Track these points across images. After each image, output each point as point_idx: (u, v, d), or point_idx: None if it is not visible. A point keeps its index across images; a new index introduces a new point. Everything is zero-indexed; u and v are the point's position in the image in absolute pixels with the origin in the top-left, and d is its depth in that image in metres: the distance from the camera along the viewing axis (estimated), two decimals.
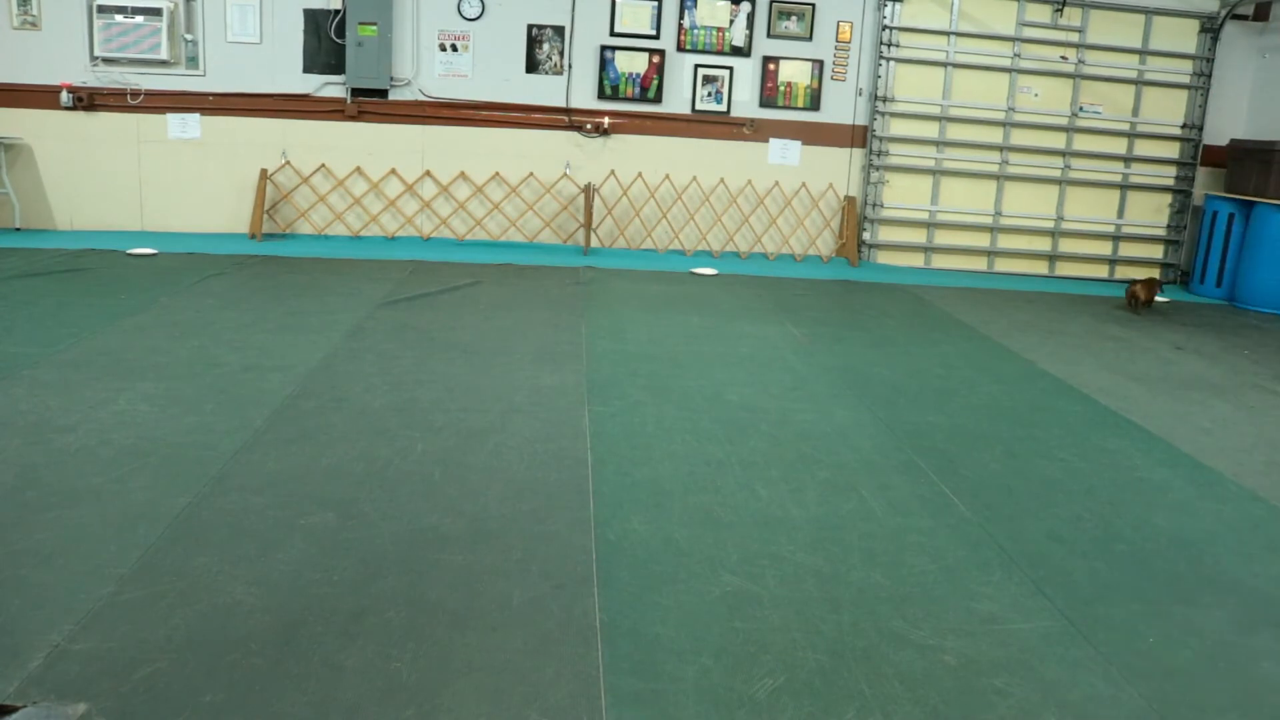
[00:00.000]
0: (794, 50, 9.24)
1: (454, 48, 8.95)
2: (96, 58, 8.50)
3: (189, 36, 8.61)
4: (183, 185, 8.81)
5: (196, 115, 8.71)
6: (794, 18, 9.18)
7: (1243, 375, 6.12)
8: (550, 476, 3.80)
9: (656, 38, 9.10)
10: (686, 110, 9.26)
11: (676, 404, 4.80)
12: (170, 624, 2.63)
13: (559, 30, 9.01)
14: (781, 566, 3.17)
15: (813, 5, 9.17)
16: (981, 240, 9.66)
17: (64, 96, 8.48)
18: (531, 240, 9.25)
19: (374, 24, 8.67)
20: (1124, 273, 9.75)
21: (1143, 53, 9.46)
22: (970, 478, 4.07)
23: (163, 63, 8.55)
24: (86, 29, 8.47)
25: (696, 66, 9.17)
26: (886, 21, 9.20)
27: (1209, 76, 9.54)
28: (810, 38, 9.23)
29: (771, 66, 9.23)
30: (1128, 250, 9.80)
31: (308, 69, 8.80)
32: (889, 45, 9.24)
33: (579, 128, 9.14)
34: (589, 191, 9.07)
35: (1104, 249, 9.77)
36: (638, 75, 9.13)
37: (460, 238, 9.19)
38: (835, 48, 9.28)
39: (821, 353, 6.00)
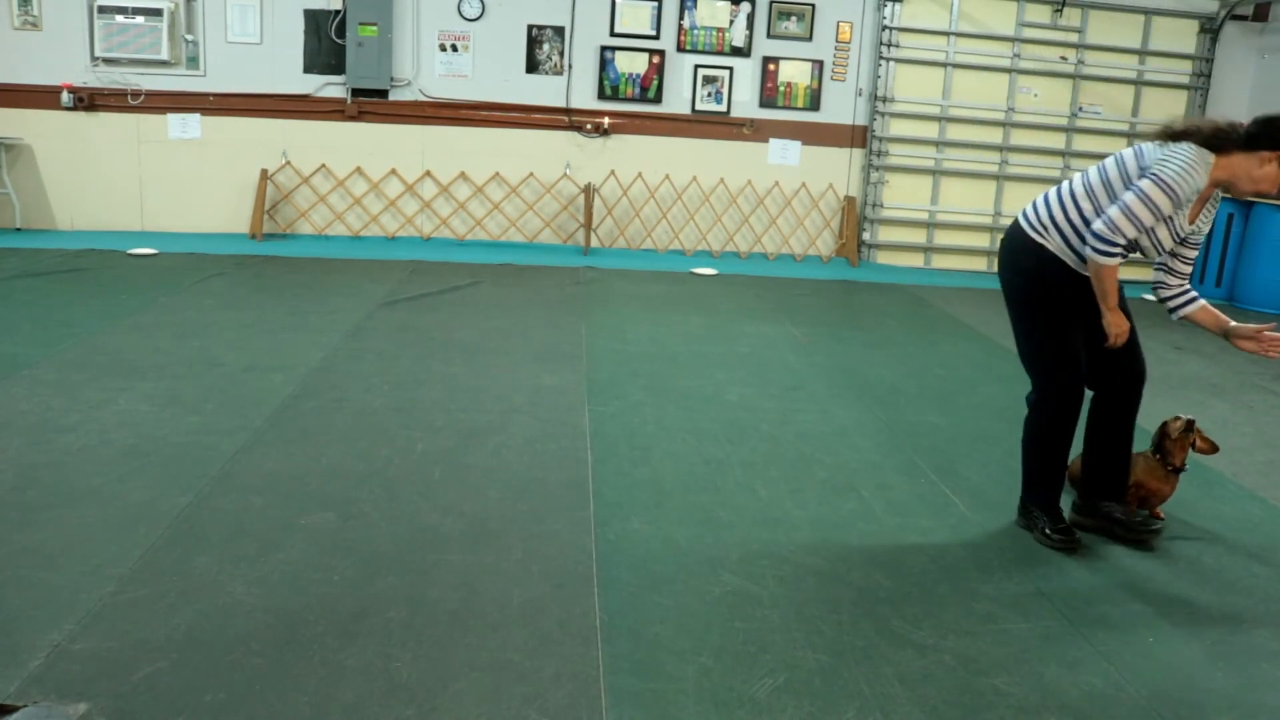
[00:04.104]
0: (794, 50, 9.24)
1: (454, 48, 8.95)
2: (97, 58, 8.50)
3: (189, 36, 8.61)
4: (183, 185, 8.81)
5: (197, 115, 8.71)
6: (794, 18, 9.18)
7: (1243, 375, 6.12)
8: (550, 476, 3.80)
9: (656, 38, 9.10)
10: (686, 110, 9.26)
11: (676, 404, 4.80)
12: (170, 624, 2.63)
13: (559, 30, 9.01)
14: (781, 566, 3.17)
15: (813, 5, 9.17)
16: (981, 240, 9.66)
17: (64, 97, 8.48)
18: (531, 240, 9.25)
19: (374, 24, 8.67)
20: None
21: (1142, 53, 9.46)
22: (970, 478, 4.07)
23: (163, 63, 8.55)
24: (87, 29, 8.47)
25: (696, 67, 9.17)
26: (886, 22, 9.20)
27: (1208, 77, 9.55)
28: (810, 38, 9.23)
29: (771, 67, 9.23)
30: None
31: (308, 69, 8.80)
32: (889, 45, 9.24)
33: (579, 128, 9.14)
34: (589, 191, 9.07)
35: None
36: (638, 75, 9.13)
37: (460, 238, 9.19)
38: (835, 48, 9.28)
39: (821, 353, 6.00)
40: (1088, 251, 3.27)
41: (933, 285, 8.75)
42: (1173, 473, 3.65)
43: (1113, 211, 3.21)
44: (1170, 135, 3.26)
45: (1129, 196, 3.20)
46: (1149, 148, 3.29)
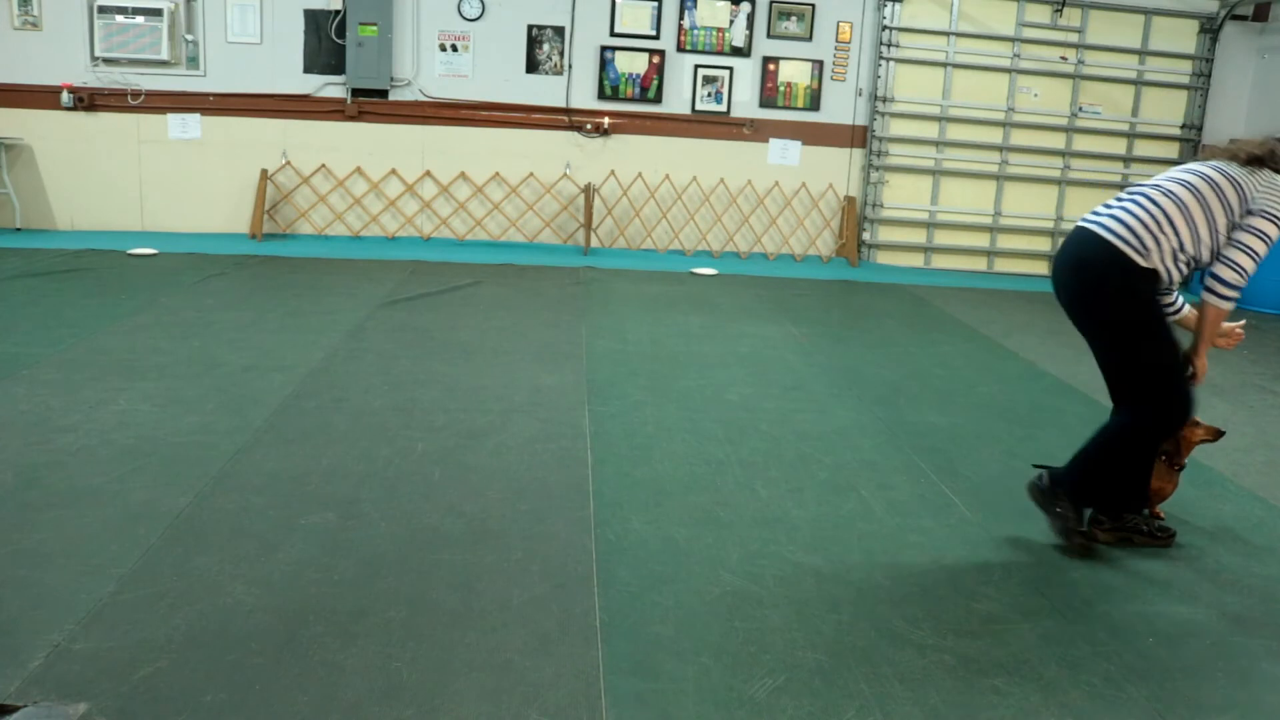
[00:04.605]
0: (794, 50, 9.24)
1: (454, 48, 8.95)
2: (97, 58, 8.50)
3: (189, 36, 8.61)
4: (183, 185, 8.82)
5: (197, 115, 8.72)
6: (794, 18, 9.18)
7: (1243, 375, 6.12)
8: (550, 476, 3.80)
9: (656, 38, 9.10)
10: (686, 110, 9.26)
11: (676, 404, 4.80)
12: (170, 624, 2.63)
13: (559, 30, 9.02)
14: (781, 566, 3.17)
15: (813, 5, 9.18)
16: (981, 240, 9.66)
17: (64, 97, 8.48)
18: (531, 240, 9.25)
19: (374, 24, 8.67)
20: None
21: (1142, 53, 9.46)
22: (970, 478, 4.07)
23: (163, 63, 8.55)
24: (87, 29, 8.47)
25: (696, 67, 9.17)
26: (886, 21, 9.20)
27: (1208, 77, 9.55)
28: (810, 38, 9.24)
29: (771, 67, 9.23)
30: None
31: (308, 69, 8.80)
32: (889, 45, 9.25)
33: (579, 128, 9.14)
34: (589, 191, 9.07)
35: None
36: (638, 75, 9.13)
37: (460, 238, 9.20)
38: (835, 48, 9.28)
39: (821, 353, 6.00)
40: (1211, 299, 3.26)
41: (933, 285, 8.75)
42: (1176, 471, 3.66)
43: (1237, 257, 3.20)
44: (1252, 160, 3.27)
45: (1250, 240, 3.20)
46: (1240, 174, 3.25)
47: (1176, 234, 3.22)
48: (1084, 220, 3.42)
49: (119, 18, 8.40)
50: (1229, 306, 3.28)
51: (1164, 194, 3.27)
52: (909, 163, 9.45)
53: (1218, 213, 3.22)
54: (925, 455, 4.30)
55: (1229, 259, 3.22)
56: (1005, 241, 9.66)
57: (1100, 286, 3.31)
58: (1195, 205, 3.23)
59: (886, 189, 9.48)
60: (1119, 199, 3.41)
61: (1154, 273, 3.23)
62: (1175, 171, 3.38)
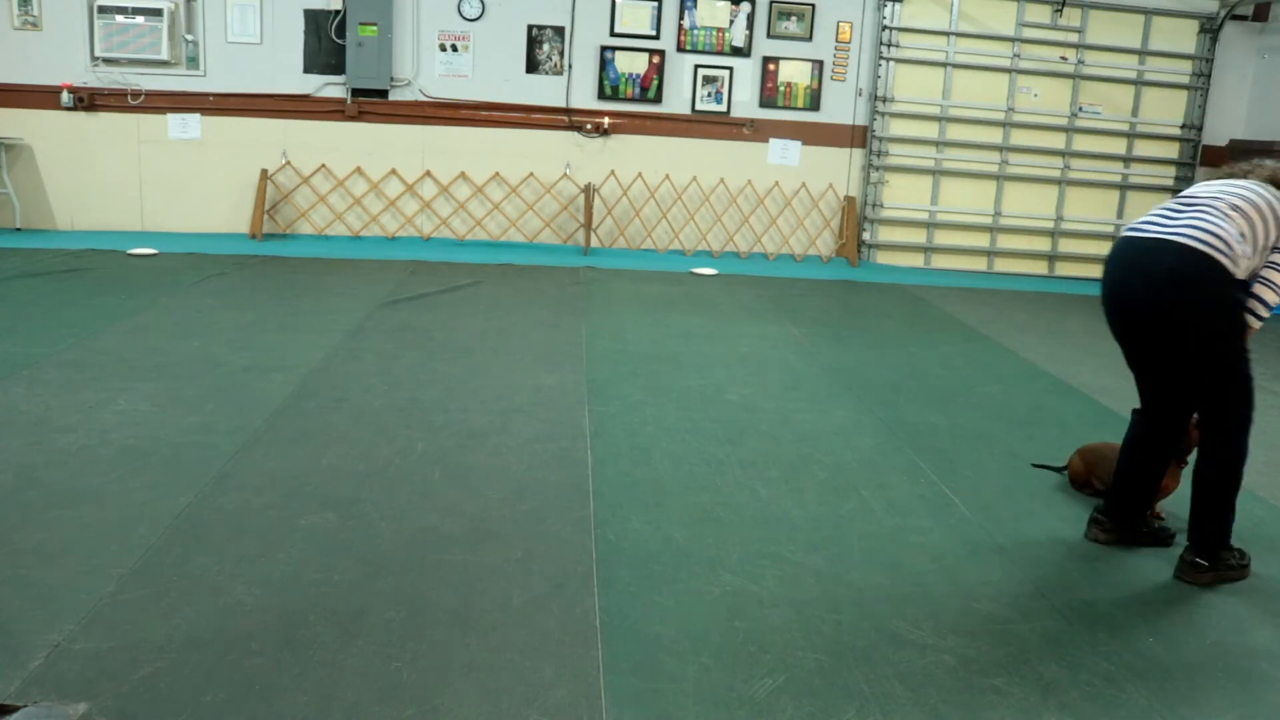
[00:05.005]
0: (794, 50, 9.24)
1: (454, 48, 8.95)
2: (97, 58, 8.50)
3: (189, 37, 8.61)
4: (183, 185, 8.81)
5: (197, 115, 8.72)
6: (794, 18, 9.18)
7: None
8: (550, 476, 3.80)
9: (656, 38, 9.10)
10: (686, 110, 9.26)
11: (676, 404, 4.80)
12: (170, 624, 2.63)
13: (559, 30, 9.01)
14: (781, 566, 3.17)
15: (813, 5, 9.17)
16: (981, 240, 9.66)
17: (64, 97, 8.48)
18: (531, 240, 9.25)
19: (374, 24, 8.67)
20: None
21: (1142, 53, 9.46)
22: (970, 478, 4.07)
23: (163, 63, 8.55)
24: (87, 29, 8.47)
25: (696, 67, 9.17)
26: (886, 21, 9.20)
27: (1208, 77, 9.54)
28: (810, 38, 9.24)
29: (771, 66, 9.23)
30: None
31: (308, 69, 8.80)
32: (889, 45, 9.24)
33: (579, 128, 9.14)
34: (589, 191, 9.07)
35: (1103, 249, 9.76)
36: (638, 75, 9.13)
37: (460, 238, 9.20)
38: (835, 48, 9.28)
39: (821, 353, 6.00)
40: (1249, 319, 3.29)
41: (933, 285, 8.75)
42: (1179, 467, 3.65)
43: (1277, 278, 3.26)
44: None
45: None
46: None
47: (1244, 248, 3.21)
48: (1149, 230, 3.33)
49: (119, 18, 8.39)
50: (1260, 325, 3.33)
51: (1230, 208, 3.24)
52: (909, 163, 9.45)
53: (1274, 232, 3.25)
54: (925, 455, 4.30)
55: (1269, 280, 3.26)
56: (1005, 241, 9.66)
57: (1203, 297, 3.24)
58: (1259, 221, 3.24)
59: (886, 189, 9.48)
60: (1177, 210, 3.34)
61: (1245, 282, 3.24)
62: (1222, 186, 3.35)
